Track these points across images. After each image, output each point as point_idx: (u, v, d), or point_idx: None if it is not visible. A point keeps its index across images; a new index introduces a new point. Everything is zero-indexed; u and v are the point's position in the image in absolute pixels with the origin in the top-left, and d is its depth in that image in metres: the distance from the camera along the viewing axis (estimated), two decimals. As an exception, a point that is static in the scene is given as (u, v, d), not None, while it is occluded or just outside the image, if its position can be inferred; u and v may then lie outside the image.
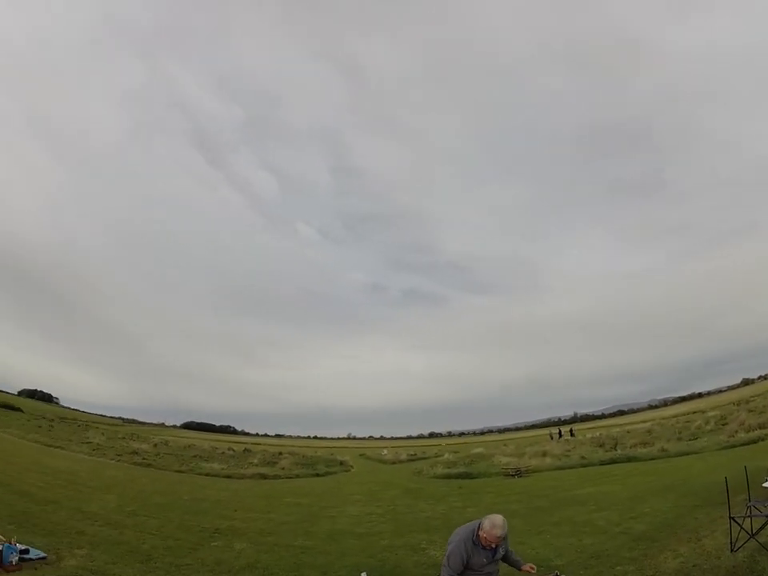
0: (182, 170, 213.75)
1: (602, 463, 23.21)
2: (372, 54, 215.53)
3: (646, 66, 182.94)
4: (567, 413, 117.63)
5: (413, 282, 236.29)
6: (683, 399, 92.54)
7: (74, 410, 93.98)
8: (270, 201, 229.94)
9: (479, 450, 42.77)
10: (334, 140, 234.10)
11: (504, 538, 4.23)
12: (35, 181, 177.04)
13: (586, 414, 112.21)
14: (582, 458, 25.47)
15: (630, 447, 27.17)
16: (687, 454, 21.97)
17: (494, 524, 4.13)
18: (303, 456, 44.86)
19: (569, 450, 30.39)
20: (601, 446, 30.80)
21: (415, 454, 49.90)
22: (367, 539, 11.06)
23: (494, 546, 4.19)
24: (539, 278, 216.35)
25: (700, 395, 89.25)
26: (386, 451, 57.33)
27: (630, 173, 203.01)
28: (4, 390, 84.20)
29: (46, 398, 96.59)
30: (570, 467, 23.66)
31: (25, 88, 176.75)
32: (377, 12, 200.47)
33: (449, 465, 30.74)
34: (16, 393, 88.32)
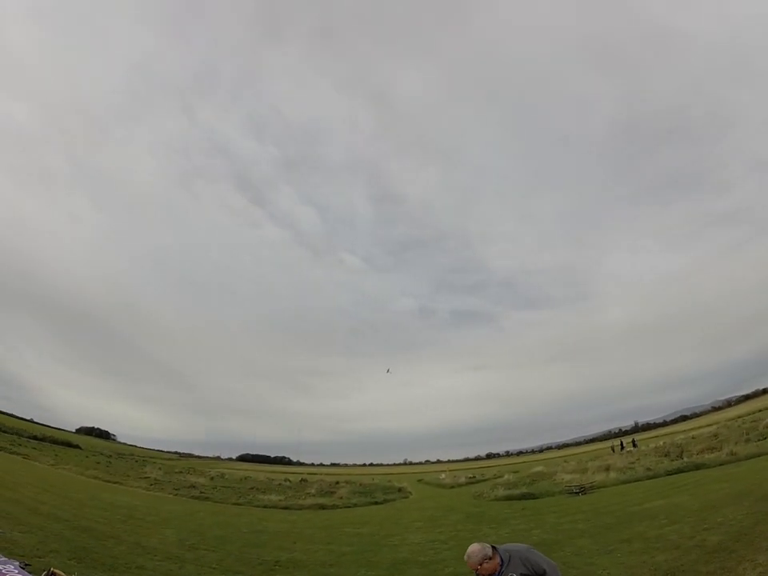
0: (227, 210, 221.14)
1: (669, 473, 22.27)
2: (397, 78, 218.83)
3: (672, 57, 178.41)
4: (627, 423, 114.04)
5: (460, 302, 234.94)
6: (747, 398, 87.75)
7: (130, 445, 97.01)
8: (313, 234, 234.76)
9: (539, 468, 41.64)
10: (369, 169, 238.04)
11: (487, 562, 4.02)
12: (82, 229, 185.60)
13: (648, 423, 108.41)
14: (648, 469, 24.43)
15: (697, 454, 25.95)
16: (758, 455, 20.87)
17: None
18: (360, 484, 44.73)
19: (633, 463, 29.22)
20: (666, 455, 29.54)
21: (474, 477, 48.76)
22: (431, 567, 10.87)
23: (484, 573, 4.03)
24: (588, 287, 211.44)
25: (765, 391, 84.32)
26: (444, 475, 56.32)
27: (670, 168, 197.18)
28: (63, 428, 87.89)
29: (104, 434, 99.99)
30: (636, 480, 22.77)
31: (70, 144, 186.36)
32: (398, 35, 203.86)
33: (509, 486, 29.97)
34: (74, 430, 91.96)
